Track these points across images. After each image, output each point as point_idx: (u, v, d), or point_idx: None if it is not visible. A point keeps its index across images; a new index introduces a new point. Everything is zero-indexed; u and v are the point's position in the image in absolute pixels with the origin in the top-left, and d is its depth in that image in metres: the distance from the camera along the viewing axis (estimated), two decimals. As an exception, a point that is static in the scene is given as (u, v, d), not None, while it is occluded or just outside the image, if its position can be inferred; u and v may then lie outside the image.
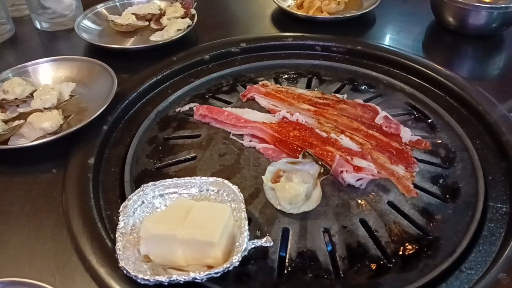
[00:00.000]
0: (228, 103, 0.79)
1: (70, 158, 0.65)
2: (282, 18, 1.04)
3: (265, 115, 0.73)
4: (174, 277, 0.47)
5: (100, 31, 0.98)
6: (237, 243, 0.50)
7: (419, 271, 0.52)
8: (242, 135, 0.70)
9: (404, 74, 0.84)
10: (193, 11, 0.98)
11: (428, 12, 0.99)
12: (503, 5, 0.87)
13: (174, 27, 0.92)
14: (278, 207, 0.57)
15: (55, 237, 0.55)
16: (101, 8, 1.03)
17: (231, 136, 0.70)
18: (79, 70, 0.80)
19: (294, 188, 0.57)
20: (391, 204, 0.59)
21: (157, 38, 0.93)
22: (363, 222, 0.57)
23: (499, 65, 0.88)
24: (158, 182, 0.57)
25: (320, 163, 0.62)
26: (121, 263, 0.48)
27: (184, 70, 0.86)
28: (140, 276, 0.47)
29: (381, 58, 0.87)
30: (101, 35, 0.97)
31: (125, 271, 0.48)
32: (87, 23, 0.98)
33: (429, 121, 0.73)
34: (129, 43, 0.94)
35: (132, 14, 0.99)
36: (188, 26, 0.94)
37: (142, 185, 0.56)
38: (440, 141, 0.69)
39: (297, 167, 0.62)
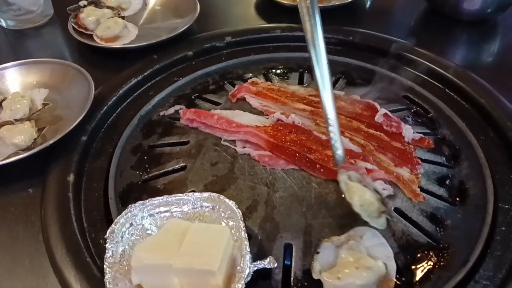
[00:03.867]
0: (216, 104, 0.74)
1: (47, 175, 0.59)
2: (267, 7, 0.98)
3: (257, 117, 0.68)
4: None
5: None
6: (238, 267, 0.46)
7: (433, 285, 0.49)
8: (234, 140, 0.65)
9: (400, 65, 0.79)
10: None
11: (420, -5, 0.95)
12: (499, -11, 0.83)
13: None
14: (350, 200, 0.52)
15: (36, 268, 0.50)
16: None
17: (222, 142, 0.65)
18: (51, 74, 0.73)
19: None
20: (398, 211, 0.55)
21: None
22: (371, 233, 0.53)
23: (496, 52, 0.85)
24: (147, 200, 0.52)
25: None
26: (112, 298, 0.44)
27: (167, 68, 0.80)
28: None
29: (374, 49, 0.82)
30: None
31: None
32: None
33: (430, 115, 0.70)
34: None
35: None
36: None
37: (130, 205, 0.51)
38: (443, 138, 0.66)
39: None
